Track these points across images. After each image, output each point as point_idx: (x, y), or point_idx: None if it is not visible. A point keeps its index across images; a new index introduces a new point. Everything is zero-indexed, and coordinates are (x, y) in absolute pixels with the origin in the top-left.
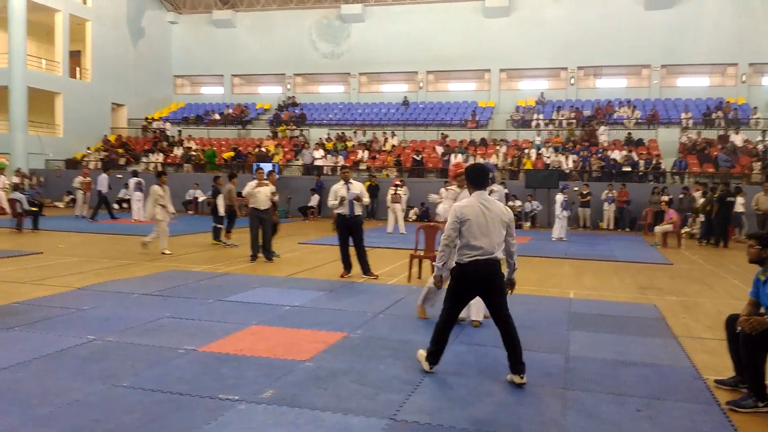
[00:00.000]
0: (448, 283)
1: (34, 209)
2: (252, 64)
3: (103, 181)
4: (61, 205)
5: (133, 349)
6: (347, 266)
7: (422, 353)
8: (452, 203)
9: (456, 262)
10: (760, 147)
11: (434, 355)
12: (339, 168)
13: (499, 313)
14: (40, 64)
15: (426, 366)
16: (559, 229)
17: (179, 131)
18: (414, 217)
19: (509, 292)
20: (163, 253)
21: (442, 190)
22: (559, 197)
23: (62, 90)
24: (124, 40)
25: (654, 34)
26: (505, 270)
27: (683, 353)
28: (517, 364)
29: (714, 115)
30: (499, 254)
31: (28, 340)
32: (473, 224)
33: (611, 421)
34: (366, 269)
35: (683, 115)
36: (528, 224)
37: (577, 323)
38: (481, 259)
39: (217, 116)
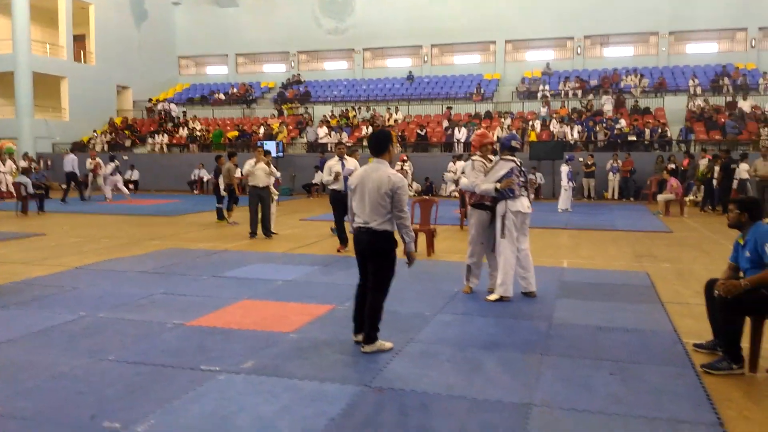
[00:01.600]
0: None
1: (39, 192)
2: (256, 43)
3: (70, 162)
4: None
5: (122, 325)
6: (343, 241)
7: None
8: (481, 176)
9: None
10: None
11: (354, 321)
12: (335, 144)
13: (370, 282)
14: (44, 48)
15: (354, 337)
16: (564, 200)
17: (184, 112)
18: (414, 193)
19: (408, 265)
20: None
21: (450, 164)
22: (564, 168)
23: (67, 74)
24: (128, 23)
25: (662, 0)
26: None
27: (667, 318)
28: (366, 335)
29: (721, 82)
30: (384, 225)
31: (21, 318)
32: (355, 193)
33: (583, 384)
34: (342, 240)
35: (691, 83)
36: (532, 196)
37: (566, 292)
38: (363, 227)
39: (221, 96)
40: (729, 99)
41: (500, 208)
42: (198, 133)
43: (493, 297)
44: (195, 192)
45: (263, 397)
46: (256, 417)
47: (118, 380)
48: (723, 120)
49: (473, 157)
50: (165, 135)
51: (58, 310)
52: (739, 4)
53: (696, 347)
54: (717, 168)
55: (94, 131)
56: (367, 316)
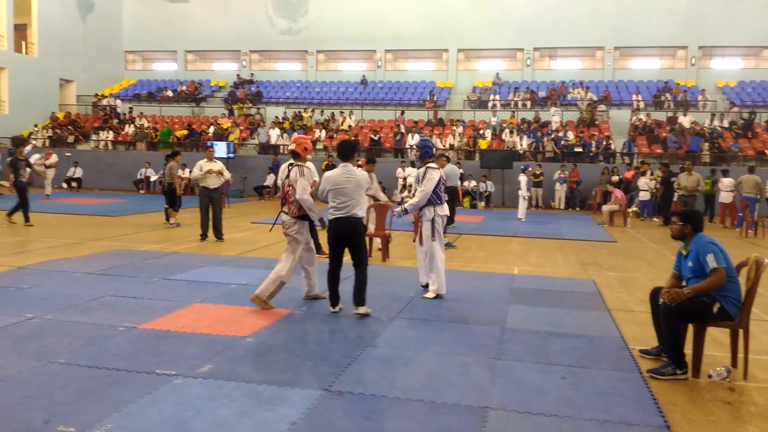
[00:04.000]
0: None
1: None
2: (206, 40)
3: None
4: (6, 183)
5: (71, 327)
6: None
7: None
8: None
9: (328, 219)
10: (707, 128)
11: (333, 297)
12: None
13: (359, 259)
14: None
15: (333, 308)
16: (523, 209)
17: (130, 108)
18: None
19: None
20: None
21: (399, 169)
22: (523, 178)
23: (7, 65)
24: (73, 14)
25: (608, 16)
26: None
27: (614, 325)
28: (358, 299)
29: (663, 97)
30: (360, 213)
31: None
32: (337, 189)
33: (536, 387)
34: (317, 248)
35: (634, 97)
36: (482, 204)
37: (517, 298)
38: (343, 216)
39: (169, 93)
40: (670, 114)
41: (428, 212)
42: (146, 131)
43: (430, 295)
44: (141, 192)
45: (222, 402)
46: (215, 421)
47: (69, 384)
48: (664, 134)
49: (306, 165)
50: (110, 132)
51: (2, 311)
52: (680, 24)
53: (642, 353)
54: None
55: (35, 125)
56: (361, 287)
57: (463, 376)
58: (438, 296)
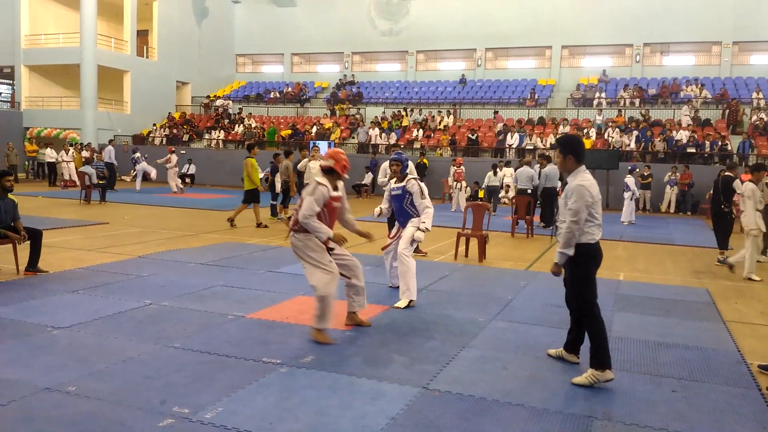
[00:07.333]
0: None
1: (101, 182)
2: (311, 43)
3: (110, 153)
4: (127, 178)
5: (186, 314)
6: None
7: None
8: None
9: (585, 243)
10: None
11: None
12: (391, 146)
13: None
14: (109, 43)
15: (610, 374)
16: (629, 212)
17: (240, 109)
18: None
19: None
20: (750, 279)
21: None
22: (630, 179)
23: (130, 68)
24: (189, 20)
25: (726, 9)
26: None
27: (729, 337)
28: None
29: None
30: None
31: (90, 303)
32: (598, 203)
33: (645, 399)
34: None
35: (754, 95)
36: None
37: (624, 305)
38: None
39: (276, 94)
40: None
41: (417, 220)
42: (254, 130)
43: (402, 304)
44: None
45: (323, 392)
46: (318, 411)
47: (184, 367)
48: None
49: (319, 180)
50: (221, 131)
51: (124, 296)
52: None
53: (761, 369)
54: None
55: (154, 125)
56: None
57: (565, 383)
58: (410, 304)
